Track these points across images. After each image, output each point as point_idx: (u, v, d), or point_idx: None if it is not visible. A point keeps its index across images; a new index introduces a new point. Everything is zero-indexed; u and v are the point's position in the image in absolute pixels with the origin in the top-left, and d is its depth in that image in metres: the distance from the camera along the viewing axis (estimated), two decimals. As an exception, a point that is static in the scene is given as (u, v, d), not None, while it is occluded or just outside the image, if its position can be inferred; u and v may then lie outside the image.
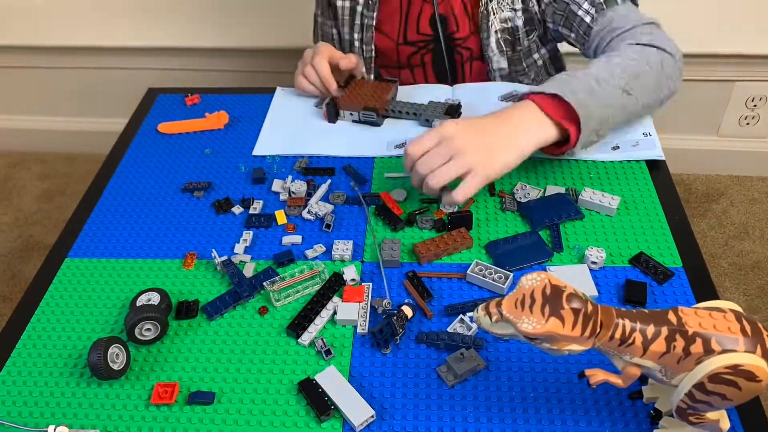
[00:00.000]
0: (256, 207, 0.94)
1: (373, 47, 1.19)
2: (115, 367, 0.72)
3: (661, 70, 0.95)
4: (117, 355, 0.73)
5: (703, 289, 0.79)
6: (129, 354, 0.74)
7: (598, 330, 0.55)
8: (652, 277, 0.80)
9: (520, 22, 1.12)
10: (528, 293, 0.56)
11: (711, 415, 0.58)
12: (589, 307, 0.55)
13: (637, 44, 0.97)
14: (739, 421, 0.65)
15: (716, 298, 0.76)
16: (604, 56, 0.96)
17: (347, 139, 1.04)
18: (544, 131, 0.87)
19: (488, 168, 0.83)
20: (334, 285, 0.81)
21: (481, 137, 0.84)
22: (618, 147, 0.97)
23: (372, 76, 1.24)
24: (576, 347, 0.55)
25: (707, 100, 1.97)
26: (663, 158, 0.96)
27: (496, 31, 1.13)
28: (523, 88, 1.11)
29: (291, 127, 1.08)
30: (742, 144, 2.06)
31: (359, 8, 1.16)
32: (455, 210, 0.90)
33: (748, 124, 2.02)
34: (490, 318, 0.57)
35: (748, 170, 2.10)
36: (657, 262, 0.81)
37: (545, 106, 0.87)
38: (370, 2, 1.15)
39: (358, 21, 1.17)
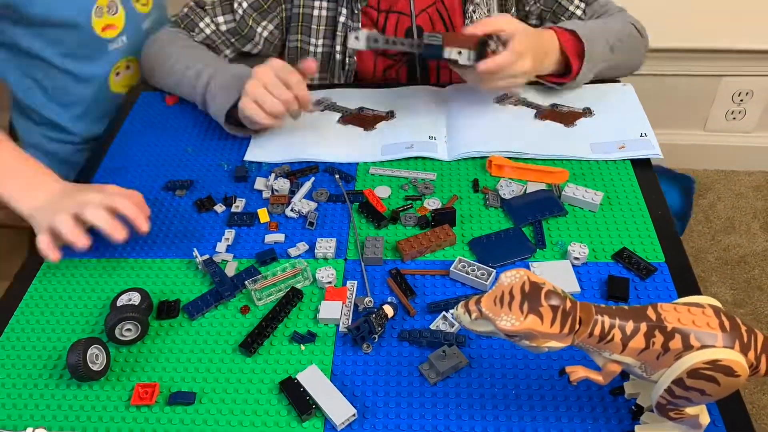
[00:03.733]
0: (239, 205, 0.93)
1: (355, 59, 1.14)
2: (95, 368, 0.71)
3: (635, 42, 1.11)
4: (97, 355, 0.72)
5: (686, 284, 0.79)
6: (109, 354, 0.73)
7: (578, 327, 0.55)
8: (635, 272, 0.80)
9: None
10: (507, 290, 0.55)
11: (690, 410, 0.58)
12: (568, 304, 0.55)
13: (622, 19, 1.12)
14: (719, 415, 0.65)
15: (699, 293, 0.76)
16: (601, 18, 1.11)
17: (340, 145, 1.02)
18: (554, 58, 1.01)
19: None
20: (292, 300, 0.78)
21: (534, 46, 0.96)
22: (624, 146, 0.97)
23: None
24: (555, 344, 0.55)
25: (694, 95, 1.98)
26: (661, 156, 0.96)
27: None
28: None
29: (281, 133, 1.05)
30: (728, 139, 2.07)
31: (342, 18, 1.10)
32: (439, 206, 0.90)
33: (734, 118, 2.03)
34: (470, 315, 0.57)
35: (734, 165, 2.11)
36: (640, 258, 0.81)
37: (563, 40, 1.00)
38: (354, 12, 1.09)
39: (341, 32, 1.12)
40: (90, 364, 0.71)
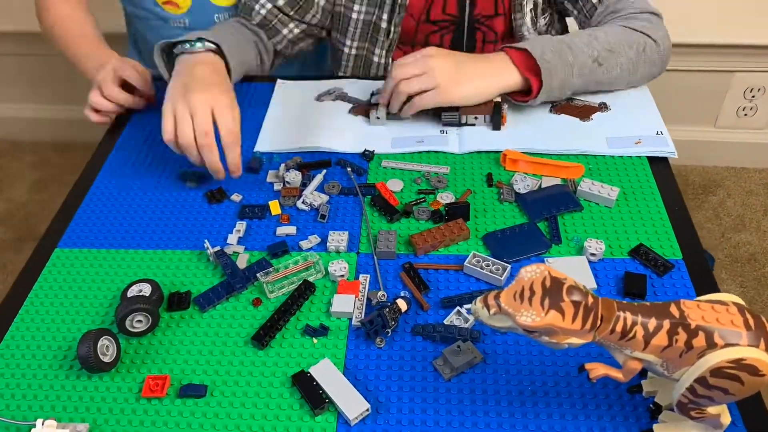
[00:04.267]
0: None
1: (399, 29, 1.12)
2: (105, 359, 0.71)
3: (641, 52, 1.01)
4: (107, 347, 0.71)
5: (703, 281, 0.78)
6: (119, 346, 0.73)
7: (599, 323, 0.54)
8: (652, 269, 0.79)
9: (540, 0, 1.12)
10: (527, 285, 0.54)
11: (712, 409, 0.57)
12: (590, 300, 0.54)
13: (626, 26, 1.02)
14: (739, 415, 0.64)
15: (716, 290, 0.75)
16: (589, 29, 1.04)
17: (352, 135, 1.01)
18: (509, 78, 0.98)
19: (449, 93, 0.96)
20: (304, 293, 0.77)
21: (454, 66, 0.96)
22: (641, 141, 0.96)
23: (390, 59, 1.17)
24: (576, 340, 0.54)
25: (706, 90, 1.96)
26: (675, 155, 0.95)
27: (530, 10, 1.12)
28: None
29: (293, 122, 1.04)
30: (739, 135, 2.06)
31: (384, 18, 1.10)
32: (453, 200, 0.89)
33: (746, 115, 2.01)
34: (488, 310, 0.56)
35: (745, 162, 2.09)
36: (657, 254, 0.80)
37: (514, 57, 0.97)
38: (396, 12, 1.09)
39: (388, 0, 1.10)
40: (100, 356, 0.70)
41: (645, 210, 0.87)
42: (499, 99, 0.99)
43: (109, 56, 1.09)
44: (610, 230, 0.85)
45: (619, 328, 0.54)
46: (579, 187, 0.89)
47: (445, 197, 0.90)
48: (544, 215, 0.86)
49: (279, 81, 1.15)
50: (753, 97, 1.96)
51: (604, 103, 1.03)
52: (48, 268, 0.84)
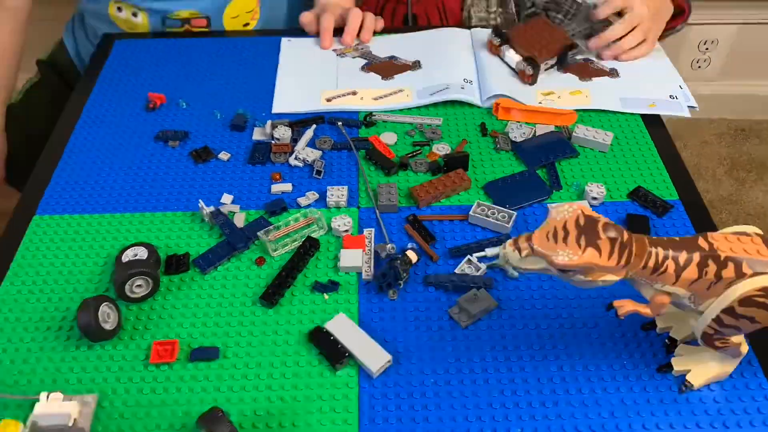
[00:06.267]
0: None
1: None
2: (107, 327, 0.67)
3: None
4: (108, 314, 0.67)
5: (702, 220, 0.80)
6: (120, 313, 0.69)
7: (632, 259, 0.54)
8: (652, 210, 0.80)
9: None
10: (560, 225, 0.54)
11: (735, 339, 0.59)
12: (625, 236, 0.54)
13: None
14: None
15: (714, 228, 0.77)
16: None
17: (370, 94, 0.97)
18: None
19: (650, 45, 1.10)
20: (309, 250, 0.75)
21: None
22: (655, 105, 0.96)
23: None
24: (611, 277, 0.54)
25: (661, 43, 1.99)
26: (696, 108, 0.96)
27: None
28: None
29: (308, 83, 1.00)
30: (693, 87, 2.08)
31: None
32: (449, 151, 0.88)
33: (699, 67, 2.06)
34: (520, 253, 0.55)
35: (699, 113, 2.14)
36: (655, 196, 0.81)
37: None
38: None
39: None
40: (102, 323, 0.66)
41: (639, 154, 0.88)
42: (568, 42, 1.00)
43: None
44: (608, 174, 0.85)
45: (651, 263, 0.54)
46: (573, 133, 0.89)
47: (441, 148, 0.89)
48: (542, 162, 0.86)
49: (284, 40, 1.09)
50: (707, 49, 2.01)
51: (615, 70, 1.02)
52: (28, 236, 0.79)
